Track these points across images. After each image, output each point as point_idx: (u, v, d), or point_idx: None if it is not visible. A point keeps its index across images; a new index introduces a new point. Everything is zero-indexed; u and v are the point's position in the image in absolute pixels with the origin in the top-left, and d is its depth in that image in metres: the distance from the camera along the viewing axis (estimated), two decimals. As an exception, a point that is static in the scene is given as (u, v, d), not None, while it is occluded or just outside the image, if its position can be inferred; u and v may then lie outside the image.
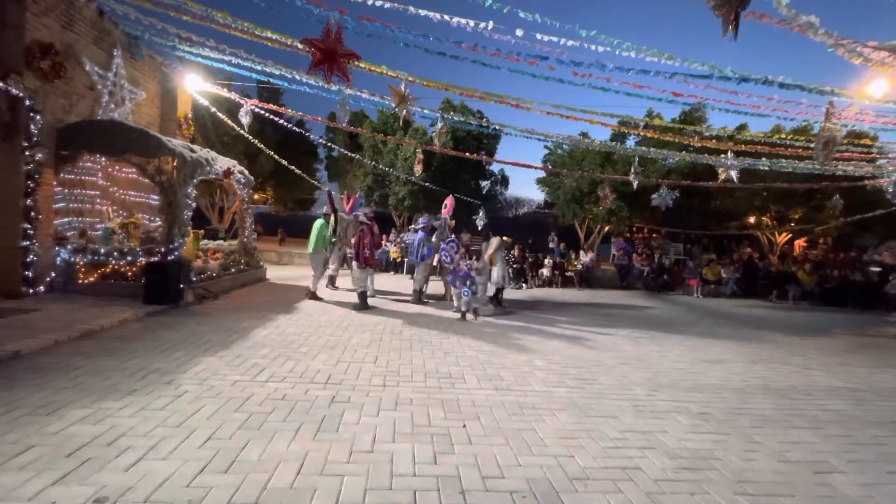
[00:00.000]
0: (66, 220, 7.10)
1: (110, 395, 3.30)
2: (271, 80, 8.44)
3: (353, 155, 17.27)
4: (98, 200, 7.89)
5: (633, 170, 9.71)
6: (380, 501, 2.25)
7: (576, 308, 9.46)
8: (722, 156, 8.94)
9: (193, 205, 7.66)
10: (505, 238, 8.82)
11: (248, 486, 2.29)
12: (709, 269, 13.98)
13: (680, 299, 12.34)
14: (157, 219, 8.73)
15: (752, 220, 17.78)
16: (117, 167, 8.23)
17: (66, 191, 7.12)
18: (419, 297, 8.70)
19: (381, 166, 17.28)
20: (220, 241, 11.95)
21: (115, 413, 3.01)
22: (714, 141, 10.04)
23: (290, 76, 7.69)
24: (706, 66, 5.45)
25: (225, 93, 10.32)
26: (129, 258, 6.92)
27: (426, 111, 8.92)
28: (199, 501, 2.15)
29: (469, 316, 7.31)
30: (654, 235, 18.15)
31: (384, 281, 11.60)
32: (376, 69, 6.55)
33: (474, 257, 9.95)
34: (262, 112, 10.89)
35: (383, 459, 2.65)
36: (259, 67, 7.70)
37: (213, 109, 10.63)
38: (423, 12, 5.19)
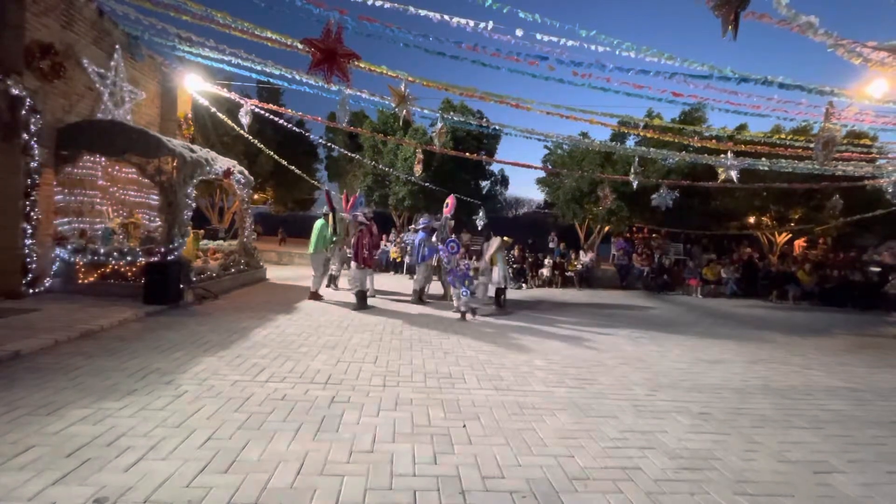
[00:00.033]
0: (65, 220, 7.10)
1: (110, 395, 3.30)
2: (271, 80, 8.44)
3: (353, 155, 17.27)
4: (98, 200, 7.89)
5: (633, 170, 9.71)
6: (380, 501, 2.25)
7: (576, 308, 9.46)
8: (722, 156, 8.94)
9: (193, 205, 7.67)
10: (506, 238, 8.82)
11: (248, 486, 2.29)
12: (709, 269, 13.99)
13: (680, 299, 12.35)
14: (158, 219, 8.74)
15: (752, 220, 17.79)
16: (117, 167, 8.23)
17: (66, 191, 7.12)
18: (419, 297, 8.70)
19: (381, 166, 17.28)
20: (220, 241, 11.96)
21: (115, 413, 3.01)
22: (714, 141, 10.04)
23: (290, 76, 7.69)
24: (706, 66, 5.45)
25: (225, 93, 10.32)
26: (129, 258, 6.92)
27: (426, 111, 8.92)
28: (199, 501, 2.15)
29: (469, 316, 7.31)
30: (654, 235, 18.16)
31: (384, 281, 11.60)
32: (376, 69, 6.55)
33: (474, 257, 9.92)
34: (262, 112, 10.89)
35: (383, 459, 2.65)
36: (259, 67, 7.70)
37: (213, 109, 10.63)
38: (423, 12, 5.19)
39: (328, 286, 9.53)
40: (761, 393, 4.43)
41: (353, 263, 7.84)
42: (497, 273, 8.49)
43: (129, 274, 6.90)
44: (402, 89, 6.54)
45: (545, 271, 13.70)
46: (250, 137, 11.62)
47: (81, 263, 6.79)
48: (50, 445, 2.55)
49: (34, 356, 4.05)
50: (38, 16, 6.27)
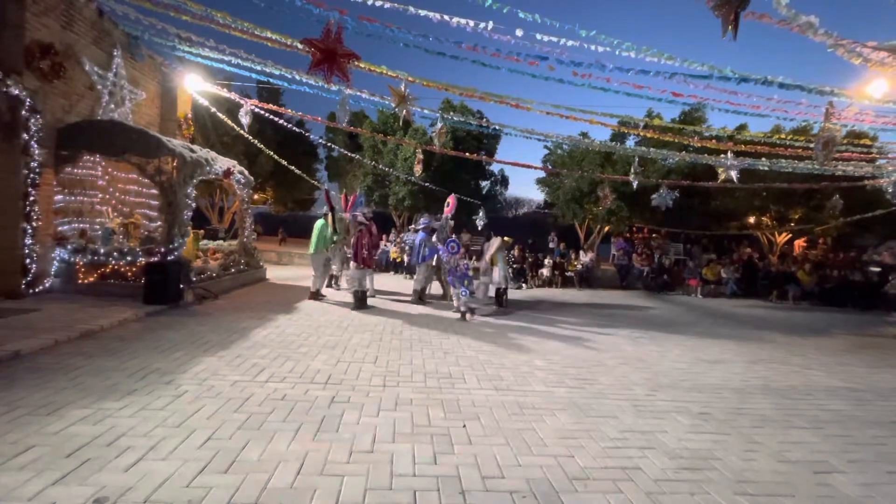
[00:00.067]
0: (65, 220, 7.11)
1: (110, 395, 3.30)
2: (271, 80, 8.44)
3: (353, 155, 17.28)
4: (98, 200, 7.89)
5: (632, 170, 9.71)
6: (380, 501, 2.25)
7: (576, 308, 9.46)
8: (722, 156, 8.94)
9: (193, 205, 7.67)
10: (506, 238, 8.83)
11: (248, 486, 2.29)
12: (709, 269, 13.99)
13: (680, 299, 12.35)
14: (158, 219, 8.74)
15: (752, 220, 17.79)
16: (117, 170, 8.23)
17: (66, 191, 7.13)
18: (419, 297, 8.70)
19: (381, 166, 17.28)
20: (220, 241, 11.96)
21: (115, 413, 3.01)
22: (714, 141, 10.05)
23: (290, 76, 7.69)
24: (706, 66, 5.45)
25: (225, 93, 10.32)
26: (129, 258, 6.92)
27: (426, 111, 8.92)
28: (199, 501, 2.15)
29: (468, 316, 7.32)
30: (654, 235, 18.17)
31: (384, 281, 11.61)
32: (376, 69, 6.55)
33: (474, 257, 9.91)
34: (262, 112, 10.89)
35: (383, 459, 2.64)
36: (259, 67, 7.70)
37: (213, 109, 10.63)
38: (423, 12, 5.19)
39: (329, 286, 9.53)
40: (761, 393, 4.42)
41: (352, 263, 7.84)
42: (497, 273, 8.50)
43: (129, 274, 6.90)
44: (402, 89, 6.54)
45: (545, 271, 13.70)
46: (250, 137, 11.62)
47: (81, 263, 6.79)
48: (50, 445, 2.55)
49: (34, 356, 4.04)
50: (38, 16, 6.27)
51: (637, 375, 4.72)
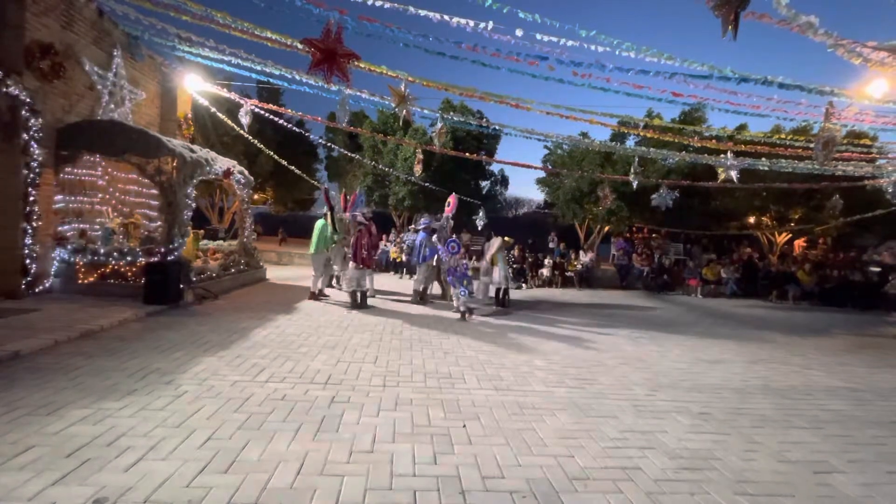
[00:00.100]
0: (66, 220, 7.10)
1: (110, 395, 3.30)
2: (271, 80, 8.44)
3: (353, 155, 17.28)
4: (98, 200, 7.89)
5: (632, 170, 9.71)
6: (380, 501, 2.25)
7: (576, 308, 9.46)
8: (722, 156, 8.94)
9: (193, 205, 7.67)
10: (506, 238, 8.83)
11: (248, 486, 2.29)
12: (709, 269, 13.99)
13: (680, 299, 12.35)
14: (158, 219, 8.74)
15: (751, 220, 17.79)
16: (117, 170, 8.22)
17: (66, 191, 7.12)
18: (420, 297, 8.71)
19: (380, 166, 17.28)
20: (220, 242, 11.96)
21: (115, 413, 3.01)
22: (714, 141, 10.05)
23: (290, 76, 7.69)
24: (706, 66, 5.45)
25: (225, 93, 10.32)
26: (128, 258, 6.92)
27: (426, 111, 8.92)
28: (199, 501, 2.15)
29: (468, 316, 7.32)
30: (654, 235, 18.17)
31: (384, 281, 11.61)
32: (376, 69, 6.55)
33: (474, 257, 9.89)
34: (262, 112, 10.89)
35: (383, 459, 2.64)
36: (259, 67, 7.70)
37: (213, 109, 10.63)
38: (423, 12, 5.19)
39: (330, 286, 9.52)
40: (761, 393, 4.42)
41: (350, 263, 7.84)
42: (498, 273, 8.50)
43: (129, 274, 6.90)
44: (402, 89, 6.54)
45: (545, 271, 13.70)
46: (250, 137, 11.62)
47: (81, 263, 6.79)
48: (50, 445, 2.55)
49: (34, 356, 4.04)
50: (38, 16, 6.27)
51: (637, 375, 4.72)
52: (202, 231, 11.72)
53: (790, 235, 17.71)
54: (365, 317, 6.98)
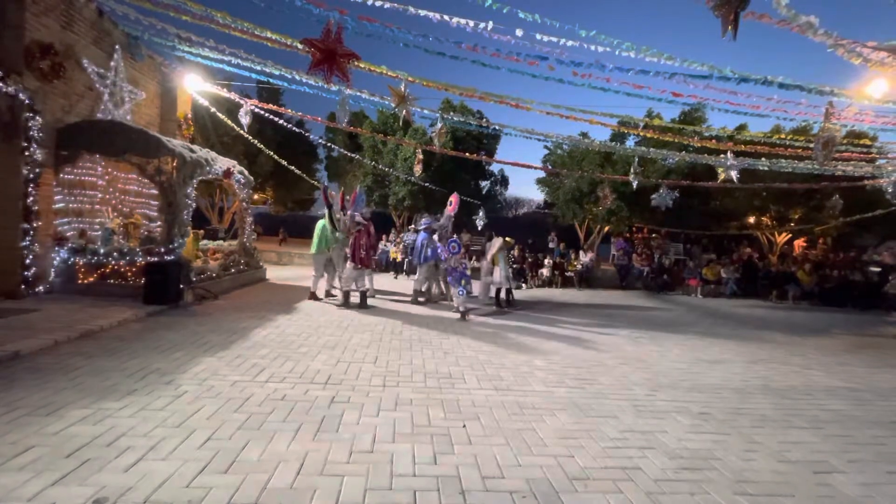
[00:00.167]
0: (65, 220, 7.10)
1: (110, 395, 3.30)
2: (271, 80, 8.44)
3: (353, 155, 17.28)
4: (98, 200, 7.89)
5: (632, 170, 9.71)
6: (380, 501, 2.25)
7: (576, 308, 9.46)
8: (722, 156, 8.95)
9: (193, 205, 7.66)
10: (507, 239, 8.83)
11: (248, 486, 2.29)
12: (709, 269, 13.99)
13: (680, 299, 12.35)
14: (158, 219, 8.74)
15: (751, 220, 17.80)
16: (117, 170, 8.22)
17: (66, 191, 7.12)
18: (418, 297, 8.70)
19: (380, 166, 17.28)
20: (220, 242, 11.95)
21: (115, 413, 3.00)
22: (714, 141, 10.05)
23: (289, 76, 7.69)
24: (706, 66, 5.45)
25: (225, 93, 10.32)
26: (128, 258, 6.92)
27: (426, 111, 8.92)
28: (198, 502, 2.14)
29: (468, 316, 7.32)
30: (653, 235, 18.17)
31: (384, 281, 11.61)
32: (376, 69, 6.55)
33: (474, 257, 9.85)
34: (262, 112, 10.89)
35: (383, 459, 2.64)
36: (259, 67, 7.70)
37: (213, 109, 10.63)
38: (423, 12, 5.19)
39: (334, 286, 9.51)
40: (761, 393, 4.42)
41: (348, 263, 7.83)
42: (499, 273, 8.50)
43: (129, 274, 6.90)
44: (402, 89, 6.54)
45: (545, 271, 13.70)
46: (250, 137, 11.62)
47: (81, 263, 6.79)
48: (49, 446, 2.55)
49: (34, 356, 4.04)
50: (38, 16, 6.27)
51: (637, 375, 4.72)
52: (202, 231, 11.71)
53: (790, 235, 17.72)
54: (365, 317, 6.98)
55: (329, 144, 18.43)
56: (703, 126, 13.97)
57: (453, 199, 9.24)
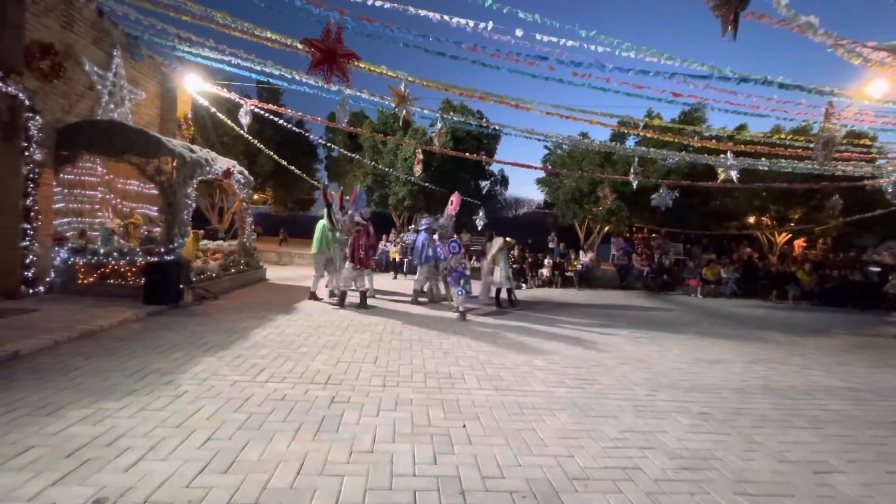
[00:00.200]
0: (65, 220, 7.10)
1: (110, 395, 3.30)
2: (271, 80, 8.44)
3: (353, 155, 17.28)
4: (98, 200, 7.89)
5: (632, 170, 9.72)
6: (380, 501, 2.25)
7: (576, 308, 9.46)
8: (721, 156, 8.95)
9: (193, 205, 7.66)
10: (508, 239, 8.82)
11: (248, 486, 2.29)
12: (709, 269, 13.99)
13: (680, 299, 12.35)
14: (158, 219, 8.74)
15: (751, 220, 17.80)
16: (117, 170, 8.22)
17: (66, 191, 7.13)
18: (419, 297, 8.70)
19: (380, 166, 17.28)
20: (220, 242, 11.95)
21: (115, 413, 3.00)
22: (714, 141, 10.05)
23: (289, 76, 7.69)
24: (706, 66, 5.45)
25: (225, 93, 10.32)
26: (128, 258, 6.92)
27: (426, 111, 8.92)
28: (198, 502, 2.14)
29: (467, 315, 7.32)
30: (653, 235, 18.18)
31: (384, 281, 11.61)
32: (376, 69, 6.55)
33: (474, 257, 9.81)
34: (262, 112, 10.89)
35: (383, 459, 2.64)
36: (259, 67, 7.70)
37: (213, 109, 10.63)
38: (423, 12, 5.19)
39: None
40: (761, 393, 4.43)
41: (347, 263, 7.83)
42: (499, 273, 8.50)
43: (129, 274, 6.90)
44: (402, 89, 6.54)
45: (545, 271, 13.70)
46: (250, 137, 11.62)
47: (81, 263, 6.79)
48: (49, 446, 2.55)
49: (34, 356, 4.04)
50: (38, 16, 6.27)
51: (637, 375, 4.72)
52: (202, 231, 11.71)
53: (790, 235, 17.72)
54: (365, 317, 6.98)
55: (329, 144, 18.44)
56: (703, 126, 13.97)
57: (454, 198, 9.24)
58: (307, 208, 24.19)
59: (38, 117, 6.21)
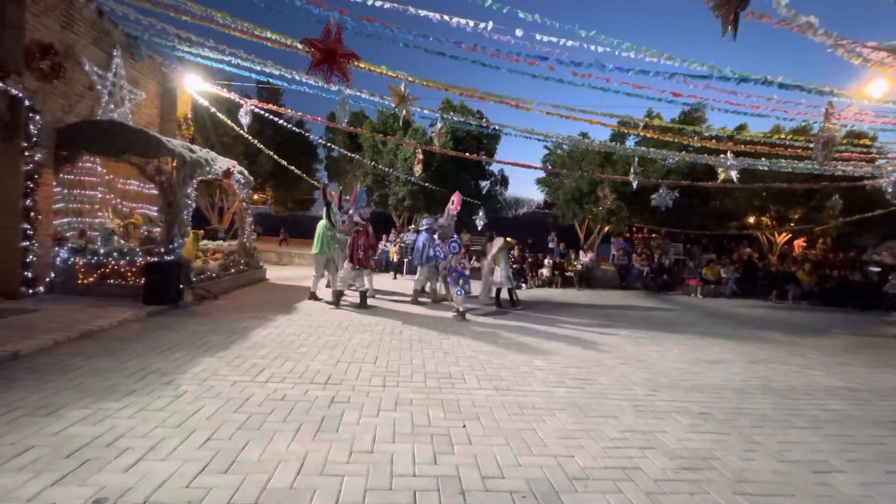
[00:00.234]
0: (65, 220, 7.10)
1: (110, 395, 3.30)
2: (271, 80, 8.44)
3: (353, 155, 17.27)
4: (98, 200, 7.89)
5: (632, 170, 9.72)
6: (380, 501, 2.25)
7: (575, 308, 9.46)
8: (721, 156, 8.95)
9: (193, 205, 7.66)
10: (509, 239, 8.82)
11: (248, 486, 2.29)
12: (708, 269, 13.99)
13: (680, 299, 12.35)
14: (158, 219, 8.74)
15: (751, 220, 17.80)
16: (117, 170, 8.22)
17: (66, 191, 7.12)
18: (419, 297, 8.70)
19: (380, 166, 17.28)
20: (220, 242, 11.95)
21: (115, 414, 3.00)
22: (714, 141, 10.05)
23: (289, 76, 7.69)
24: (706, 66, 5.45)
25: (225, 93, 10.32)
26: (128, 258, 6.92)
27: (426, 111, 8.92)
28: (198, 502, 2.14)
29: (467, 315, 7.32)
30: (653, 235, 18.18)
31: (384, 281, 11.61)
32: (376, 69, 6.55)
33: (474, 257, 9.80)
34: (262, 112, 10.89)
35: (383, 459, 2.64)
36: (259, 67, 7.70)
37: (213, 109, 10.63)
38: (423, 12, 5.19)
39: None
40: (761, 393, 4.43)
41: (346, 263, 7.83)
42: (500, 273, 8.50)
43: (129, 274, 6.90)
44: (402, 89, 6.54)
45: (545, 271, 13.70)
46: (250, 137, 11.62)
47: (81, 263, 6.79)
48: (49, 446, 2.55)
49: (33, 357, 4.04)
50: (37, 16, 6.27)
51: (637, 375, 4.72)
52: (202, 231, 11.71)
53: (790, 235, 17.72)
54: (365, 317, 6.98)
55: (329, 144, 18.43)
56: (703, 126, 13.97)
57: (455, 198, 9.23)
58: (307, 208, 24.19)
59: (38, 117, 6.21)
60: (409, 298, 8.81)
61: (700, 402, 4.04)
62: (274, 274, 11.17)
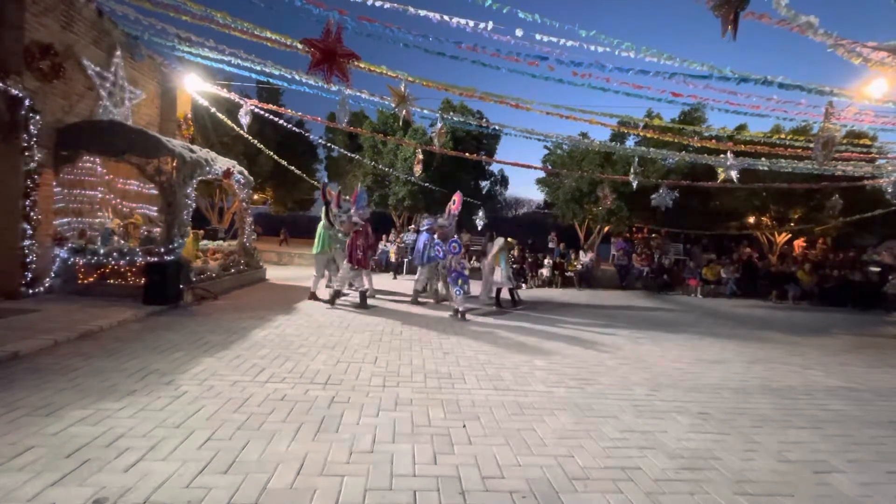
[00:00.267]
0: (65, 220, 7.10)
1: (109, 395, 3.30)
2: (271, 80, 8.44)
3: (353, 155, 17.28)
4: (98, 200, 7.89)
5: (632, 170, 9.72)
6: (380, 502, 2.25)
7: (576, 308, 9.46)
8: (721, 156, 8.95)
9: (193, 205, 7.66)
10: (510, 239, 8.81)
11: (248, 486, 2.29)
12: (708, 269, 13.99)
13: (680, 299, 12.35)
14: (158, 219, 8.73)
15: (751, 220, 17.80)
16: (117, 170, 8.22)
17: (66, 191, 7.12)
18: (419, 297, 8.69)
19: (380, 166, 17.28)
20: (220, 242, 11.94)
21: (115, 414, 3.00)
22: (713, 141, 10.05)
23: (289, 76, 7.69)
24: (706, 66, 5.45)
25: (224, 93, 10.32)
26: (128, 258, 6.91)
27: (426, 111, 8.92)
28: (198, 502, 2.14)
29: (467, 315, 7.32)
30: (653, 235, 18.18)
31: (384, 281, 11.61)
32: (376, 69, 6.54)
33: (474, 257, 9.81)
34: (262, 112, 10.88)
35: (383, 460, 2.64)
36: (259, 67, 7.69)
37: (213, 109, 10.63)
38: (423, 12, 5.19)
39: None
40: (761, 393, 4.42)
41: (345, 263, 7.83)
42: (500, 273, 8.50)
43: (129, 274, 6.89)
44: (402, 89, 6.54)
45: (545, 271, 13.70)
46: (250, 137, 11.61)
47: (81, 263, 6.79)
48: (49, 446, 2.55)
49: (33, 357, 4.04)
50: (37, 16, 6.27)
51: (637, 375, 4.72)
52: (202, 231, 11.70)
53: (790, 235, 17.72)
54: (365, 317, 6.98)
55: (329, 144, 18.44)
56: (702, 126, 13.98)
57: (457, 197, 9.23)
58: (307, 208, 24.19)
59: (37, 117, 6.21)
60: (408, 299, 8.81)
61: (700, 402, 4.04)
62: (274, 274, 11.17)
